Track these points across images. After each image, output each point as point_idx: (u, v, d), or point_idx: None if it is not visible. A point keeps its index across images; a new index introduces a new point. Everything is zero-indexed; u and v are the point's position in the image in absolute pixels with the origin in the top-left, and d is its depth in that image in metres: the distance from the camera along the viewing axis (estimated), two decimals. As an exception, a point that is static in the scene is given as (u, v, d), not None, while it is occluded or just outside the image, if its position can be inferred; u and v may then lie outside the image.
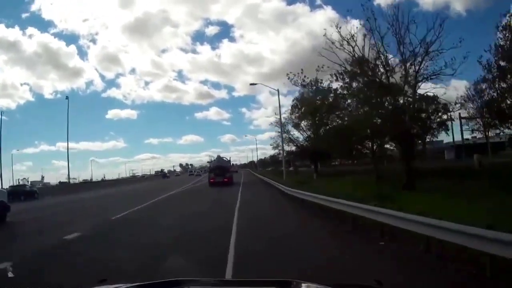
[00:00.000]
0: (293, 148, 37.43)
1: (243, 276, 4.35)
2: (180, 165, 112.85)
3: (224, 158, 34.37)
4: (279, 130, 35.92)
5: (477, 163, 21.39)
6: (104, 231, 9.23)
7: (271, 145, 39.49)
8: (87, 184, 57.94)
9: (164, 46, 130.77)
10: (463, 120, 30.55)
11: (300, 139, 36.07)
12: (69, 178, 36.57)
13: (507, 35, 16.68)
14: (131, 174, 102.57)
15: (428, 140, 30.38)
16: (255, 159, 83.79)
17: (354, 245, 6.35)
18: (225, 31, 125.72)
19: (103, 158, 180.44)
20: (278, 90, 31.53)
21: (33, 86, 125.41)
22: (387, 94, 16.81)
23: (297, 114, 34.20)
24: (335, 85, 23.25)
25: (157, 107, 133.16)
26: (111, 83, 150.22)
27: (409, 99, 16.87)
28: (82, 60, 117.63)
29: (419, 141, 23.36)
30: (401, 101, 17.01)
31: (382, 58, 17.08)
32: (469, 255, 4.41)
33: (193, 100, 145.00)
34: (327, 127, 29.05)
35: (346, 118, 22.68)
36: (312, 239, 7.20)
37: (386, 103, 17.25)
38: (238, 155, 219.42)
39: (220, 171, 29.54)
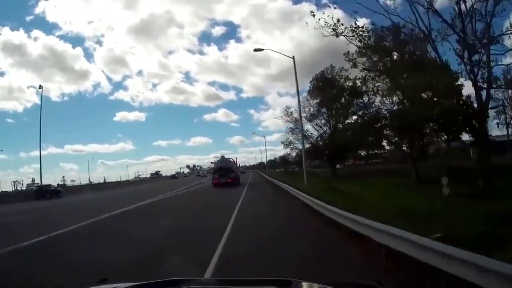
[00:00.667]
0: (307, 145, 33.19)
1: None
2: (187, 166, 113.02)
3: (230, 159, 33.95)
4: (291, 126, 33.22)
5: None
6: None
7: (282, 142, 35.22)
8: (88, 186, 57.58)
9: (171, 47, 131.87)
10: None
11: (315, 136, 32.89)
12: (41, 181, 34.32)
13: None
14: (135, 176, 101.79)
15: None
16: (263, 160, 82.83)
17: None
18: (231, 31, 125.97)
19: (111, 160, 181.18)
20: (293, 57, 20.79)
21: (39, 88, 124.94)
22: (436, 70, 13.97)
23: (315, 101, 30.65)
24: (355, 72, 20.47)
25: (165, 109, 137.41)
26: (119, 85, 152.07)
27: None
28: (88, 62, 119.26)
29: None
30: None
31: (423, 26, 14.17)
32: None
33: (201, 102, 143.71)
34: (351, 118, 25.89)
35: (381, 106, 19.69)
36: None
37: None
38: (247, 156, 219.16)
39: (224, 172, 28.72)
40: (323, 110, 31.30)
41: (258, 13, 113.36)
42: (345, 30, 15.47)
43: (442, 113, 14.08)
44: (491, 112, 22.05)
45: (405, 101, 17.47)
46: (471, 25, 13.37)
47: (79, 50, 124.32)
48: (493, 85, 14.45)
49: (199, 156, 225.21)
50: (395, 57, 16.52)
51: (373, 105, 21.02)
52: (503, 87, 21.32)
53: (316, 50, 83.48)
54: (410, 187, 15.11)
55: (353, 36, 15.43)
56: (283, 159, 63.62)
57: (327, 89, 27.41)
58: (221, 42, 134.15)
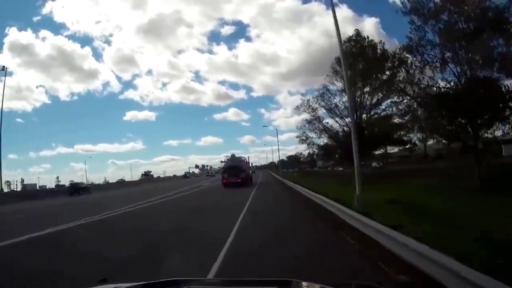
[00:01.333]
0: (324, 141, 28.10)
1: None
2: (196, 166, 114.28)
3: (241, 158, 32.42)
4: (310, 117, 26.56)
5: None
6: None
7: (297, 137, 29.15)
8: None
9: (180, 46, 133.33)
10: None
11: (335, 129, 26.86)
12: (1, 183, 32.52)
13: None
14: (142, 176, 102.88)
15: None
16: (274, 160, 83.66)
17: None
18: (240, 30, 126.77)
19: (121, 160, 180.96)
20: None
21: (48, 88, 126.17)
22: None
23: (339, 84, 24.69)
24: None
25: (175, 109, 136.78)
26: (128, 85, 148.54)
27: None
28: (97, 62, 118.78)
29: None
30: None
31: None
32: None
33: (211, 101, 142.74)
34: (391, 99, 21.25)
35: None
36: None
37: None
38: (258, 156, 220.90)
39: (234, 171, 27.07)
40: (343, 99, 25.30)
41: (267, 13, 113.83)
42: None
43: None
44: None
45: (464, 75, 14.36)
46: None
47: (87, 49, 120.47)
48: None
49: (210, 155, 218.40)
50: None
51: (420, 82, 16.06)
52: None
53: (326, 50, 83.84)
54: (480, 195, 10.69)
55: None
56: (295, 159, 63.70)
57: (359, 61, 22.17)
58: (230, 41, 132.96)
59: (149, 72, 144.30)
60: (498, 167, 16.18)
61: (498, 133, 15.11)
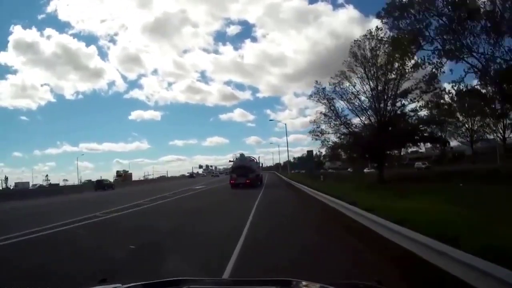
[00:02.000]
0: (339, 138, 25.92)
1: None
2: (200, 166, 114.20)
3: (250, 157, 30.98)
4: (325, 106, 24.50)
5: None
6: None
7: (310, 132, 25.62)
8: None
9: (186, 46, 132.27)
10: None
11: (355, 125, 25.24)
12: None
13: None
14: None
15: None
16: (281, 161, 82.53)
17: None
18: (246, 30, 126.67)
19: (126, 159, 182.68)
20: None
21: (53, 87, 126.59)
22: None
23: (356, 76, 23.77)
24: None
25: (181, 108, 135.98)
26: (133, 84, 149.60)
27: None
28: (103, 61, 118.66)
29: None
30: None
31: None
32: None
33: (217, 101, 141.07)
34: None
35: None
36: None
37: None
38: (264, 157, 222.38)
39: (243, 171, 25.76)
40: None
41: (273, 12, 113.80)
42: None
43: None
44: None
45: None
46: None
47: (93, 48, 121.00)
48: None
49: (215, 156, 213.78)
50: None
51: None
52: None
53: (332, 51, 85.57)
54: None
55: None
56: (301, 159, 58.37)
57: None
58: (236, 41, 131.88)
59: (155, 71, 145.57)
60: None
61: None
